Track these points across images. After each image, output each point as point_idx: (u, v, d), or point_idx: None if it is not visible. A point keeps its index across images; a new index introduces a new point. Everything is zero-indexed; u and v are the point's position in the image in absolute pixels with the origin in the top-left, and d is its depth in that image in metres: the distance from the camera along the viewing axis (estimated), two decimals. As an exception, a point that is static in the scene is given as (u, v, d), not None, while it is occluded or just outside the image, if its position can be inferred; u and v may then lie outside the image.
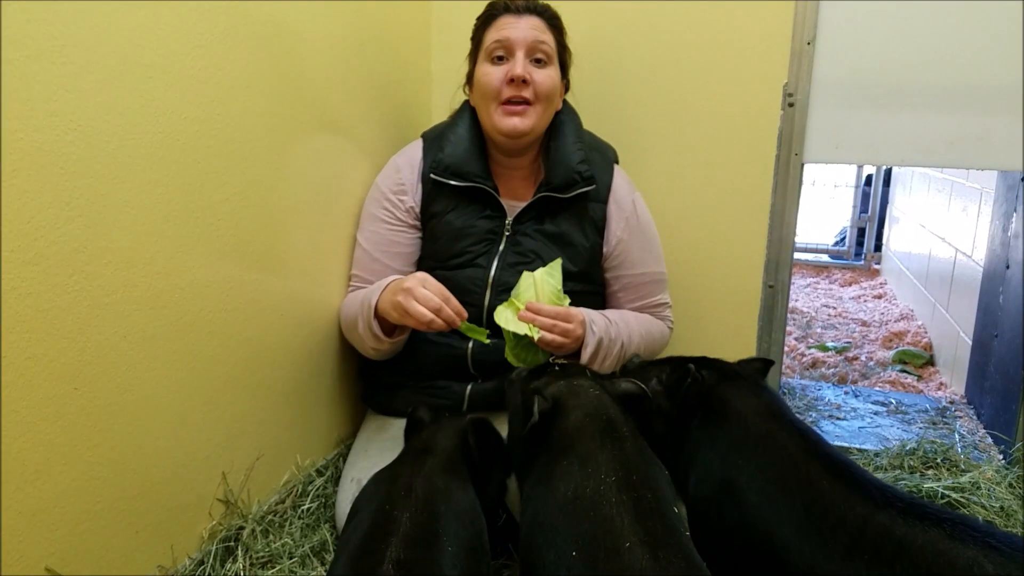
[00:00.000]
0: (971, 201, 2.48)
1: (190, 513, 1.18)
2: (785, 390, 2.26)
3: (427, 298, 1.29)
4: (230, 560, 1.22)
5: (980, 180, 2.39)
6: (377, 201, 1.53)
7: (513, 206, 1.52)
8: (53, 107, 0.86)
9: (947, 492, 1.54)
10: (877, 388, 2.39)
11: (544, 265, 1.42)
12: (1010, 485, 1.59)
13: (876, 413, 2.12)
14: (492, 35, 1.45)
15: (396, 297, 1.32)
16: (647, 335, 1.54)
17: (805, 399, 2.20)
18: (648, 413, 1.14)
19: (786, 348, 2.64)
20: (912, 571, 0.88)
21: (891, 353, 2.74)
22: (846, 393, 2.28)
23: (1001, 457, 1.81)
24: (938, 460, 1.73)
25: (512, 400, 1.22)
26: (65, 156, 0.88)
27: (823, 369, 2.60)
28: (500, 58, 1.45)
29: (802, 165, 1.73)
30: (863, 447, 1.85)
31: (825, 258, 4.48)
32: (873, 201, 4.37)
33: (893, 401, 2.21)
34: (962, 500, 1.52)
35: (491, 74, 1.44)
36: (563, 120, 1.54)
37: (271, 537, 1.29)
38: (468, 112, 1.53)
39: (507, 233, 1.51)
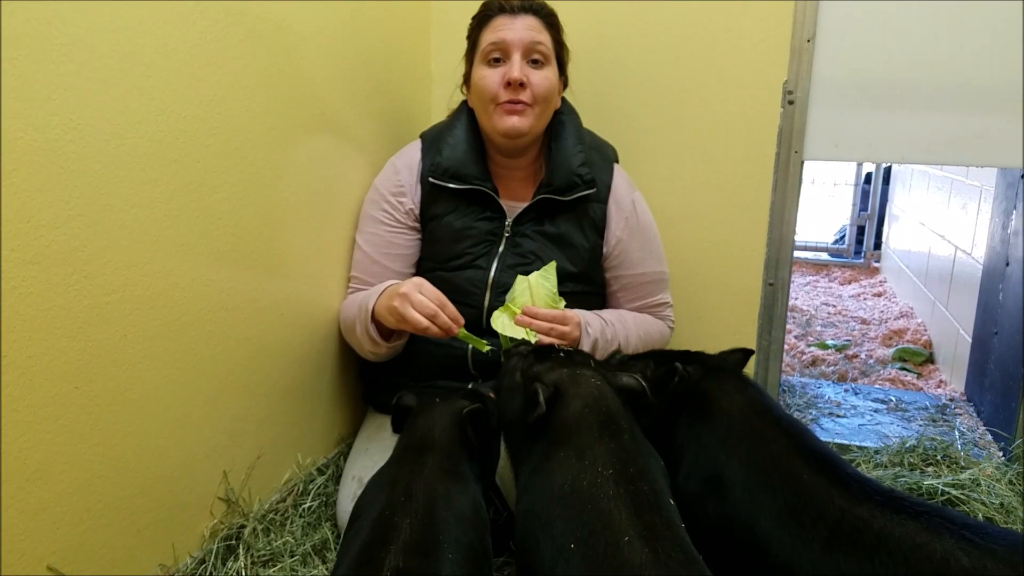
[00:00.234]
0: (971, 199, 2.48)
1: (191, 512, 1.18)
2: (785, 388, 2.27)
3: (423, 304, 1.29)
4: (231, 558, 1.22)
5: (980, 178, 2.39)
6: (376, 203, 1.53)
7: (513, 207, 1.52)
8: (53, 106, 0.86)
9: (947, 489, 1.54)
10: (877, 386, 2.40)
11: (543, 266, 1.42)
12: (1010, 482, 1.59)
13: (876, 411, 2.12)
14: (488, 36, 1.44)
15: (392, 302, 1.31)
16: (645, 335, 1.54)
17: (805, 397, 2.21)
18: (640, 408, 1.14)
19: (786, 346, 2.64)
20: (890, 563, 0.91)
21: (891, 351, 2.74)
22: (846, 391, 2.29)
23: (1001, 454, 1.81)
24: (938, 457, 1.74)
25: (509, 377, 1.21)
26: (65, 155, 0.88)
27: (823, 367, 2.60)
28: (496, 60, 1.44)
29: (802, 163, 1.73)
30: (863, 444, 1.86)
31: (825, 256, 4.48)
32: (873, 199, 4.37)
33: (893, 399, 2.21)
34: (962, 497, 1.52)
35: (488, 77, 1.43)
36: (563, 120, 1.53)
37: (272, 535, 1.30)
38: (466, 113, 1.53)
39: (507, 234, 1.50)
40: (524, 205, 1.51)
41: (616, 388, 1.13)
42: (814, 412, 2.10)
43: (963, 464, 1.70)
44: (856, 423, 2.02)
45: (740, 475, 1.09)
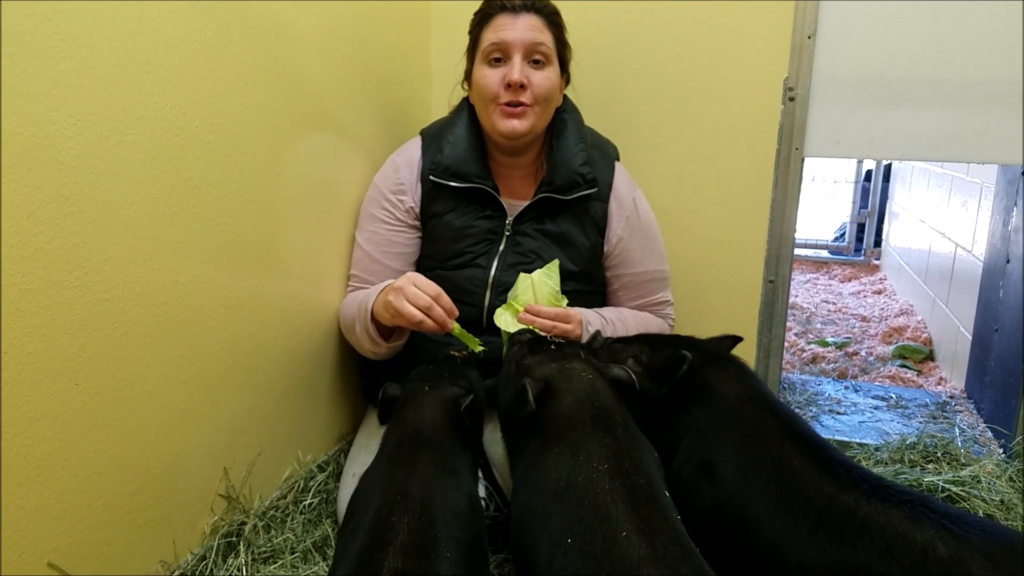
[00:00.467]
0: (971, 196, 2.47)
1: (192, 509, 1.18)
2: (785, 385, 2.27)
3: (417, 296, 1.28)
4: (232, 555, 1.22)
5: (980, 175, 2.38)
6: (376, 201, 1.52)
7: (513, 205, 1.51)
8: (52, 103, 0.86)
9: (947, 486, 1.54)
10: (877, 383, 2.40)
11: (544, 265, 1.42)
12: (1010, 479, 1.59)
13: (876, 408, 2.12)
14: (489, 36, 1.43)
15: (388, 297, 1.31)
16: (645, 333, 1.54)
17: (805, 394, 2.21)
18: (630, 397, 1.14)
19: (786, 343, 2.64)
20: (872, 549, 0.95)
21: (891, 348, 2.74)
22: (846, 388, 2.29)
23: (1001, 451, 1.81)
24: (938, 454, 1.74)
25: (507, 367, 1.21)
26: (64, 152, 0.88)
27: (823, 364, 2.60)
28: (497, 60, 1.43)
29: (802, 160, 1.73)
30: (863, 441, 1.86)
31: (825, 254, 4.48)
32: (873, 196, 4.37)
33: (893, 396, 2.21)
34: (962, 494, 1.52)
35: (488, 77, 1.43)
36: (564, 118, 1.52)
37: (273, 532, 1.30)
38: (467, 110, 1.52)
39: (507, 233, 1.50)
40: (525, 203, 1.50)
41: (608, 380, 1.13)
42: (814, 409, 2.10)
43: (963, 461, 1.70)
44: (856, 420, 2.02)
45: (733, 460, 1.11)
